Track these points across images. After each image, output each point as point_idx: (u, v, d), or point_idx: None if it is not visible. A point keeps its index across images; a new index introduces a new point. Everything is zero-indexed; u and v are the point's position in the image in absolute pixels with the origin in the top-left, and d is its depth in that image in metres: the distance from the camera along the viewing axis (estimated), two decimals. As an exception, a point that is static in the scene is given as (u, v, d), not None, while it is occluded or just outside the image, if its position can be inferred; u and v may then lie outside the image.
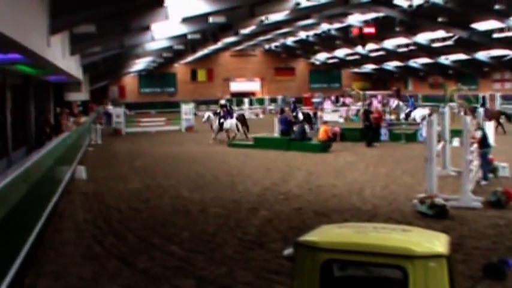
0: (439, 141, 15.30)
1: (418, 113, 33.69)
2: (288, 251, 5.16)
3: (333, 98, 57.41)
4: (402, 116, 36.01)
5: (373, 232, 4.78)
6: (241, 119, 31.91)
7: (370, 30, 40.67)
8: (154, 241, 10.87)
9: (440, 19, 39.46)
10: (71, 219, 13.10)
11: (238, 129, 30.34)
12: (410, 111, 35.40)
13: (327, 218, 12.44)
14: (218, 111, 32.69)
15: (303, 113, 34.29)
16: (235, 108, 49.66)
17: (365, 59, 64.65)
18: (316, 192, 15.62)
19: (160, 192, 16.22)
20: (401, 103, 40.28)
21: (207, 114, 34.47)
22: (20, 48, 12.29)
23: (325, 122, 27.91)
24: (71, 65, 22.88)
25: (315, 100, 54.95)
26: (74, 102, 35.88)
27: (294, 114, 32.68)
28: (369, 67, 71.97)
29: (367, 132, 27.36)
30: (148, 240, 10.94)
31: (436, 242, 4.52)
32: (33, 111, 23.77)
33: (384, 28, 42.77)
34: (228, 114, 31.35)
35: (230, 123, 30.54)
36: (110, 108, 49.31)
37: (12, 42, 10.76)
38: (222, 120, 30.74)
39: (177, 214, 13.31)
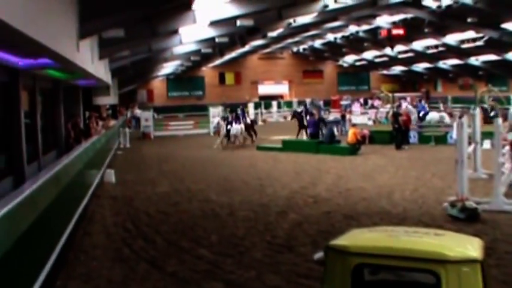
0: (469, 143, 15.10)
1: (433, 116, 33.45)
2: (318, 255, 5.14)
3: (361, 100, 57.12)
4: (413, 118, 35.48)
5: (404, 236, 4.73)
6: (250, 125, 32.03)
7: (398, 31, 40.39)
8: (183, 244, 10.90)
9: (469, 19, 38.92)
10: (100, 222, 13.22)
11: (228, 135, 29.78)
12: (425, 114, 34.96)
13: (356, 221, 12.35)
14: (227, 116, 32.55)
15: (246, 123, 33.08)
16: (252, 111, 49.81)
17: (394, 60, 64.14)
18: (345, 195, 15.54)
19: (188, 195, 16.28)
20: (409, 106, 39.71)
21: (216, 119, 34.02)
22: (49, 53, 12.45)
23: (354, 125, 27.75)
24: (100, 69, 23.11)
25: (343, 103, 54.67)
26: (103, 106, 36.26)
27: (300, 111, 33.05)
28: (397, 69, 71.40)
29: (397, 134, 27.15)
30: (177, 244, 10.98)
31: (469, 247, 4.46)
32: (63, 115, 24.03)
33: (413, 29, 42.42)
34: (237, 119, 31.01)
35: (236, 129, 30.15)
36: (138, 112, 49.75)
37: (42, 47, 10.91)
38: (229, 126, 30.22)
39: (206, 218, 13.34)
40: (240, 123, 30.88)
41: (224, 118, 32.27)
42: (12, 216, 6.77)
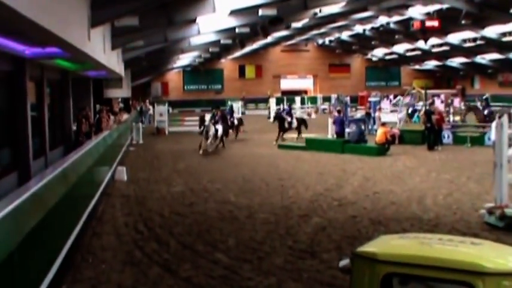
0: (510, 145, 14.86)
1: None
2: (344, 262, 5.10)
3: (391, 97, 56.76)
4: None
5: (438, 244, 4.66)
6: (236, 125, 33.40)
7: (433, 23, 39.93)
8: (199, 248, 10.91)
9: (512, 10, 38.51)
10: (110, 223, 13.28)
11: (216, 136, 27.76)
12: (413, 112, 34.58)
13: (385, 227, 12.29)
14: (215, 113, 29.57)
15: (297, 118, 33.55)
16: (273, 107, 49.68)
17: (427, 54, 63.65)
18: (373, 199, 15.45)
19: (205, 196, 16.30)
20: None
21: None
22: (58, 42, 12.51)
23: (384, 124, 27.58)
24: (112, 60, 23.22)
25: (371, 99, 54.36)
26: (115, 99, 36.48)
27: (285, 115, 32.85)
28: (431, 64, 70.87)
29: (429, 134, 26.94)
30: (192, 247, 10.98)
31: (510, 258, 4.38)
32: (72, 108, 24.20)
33: (448, 21, 41.99)
34: (223, 119, 29.19)
35: (215, 129, 27.74)
36: (149, 107, 49.94)
37: (50, 35, 10.95)
38: (217, 126, 28.01)
39: (223, 220, 13.34)
40: (224, 123, 29.08)
41: (212, 116, 28.93)
42: (17, 215, 6.80)
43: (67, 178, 10.67)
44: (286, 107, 35.27)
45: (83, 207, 12.50)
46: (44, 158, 19.14)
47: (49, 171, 10.07)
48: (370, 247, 4.70)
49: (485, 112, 35.61)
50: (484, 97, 43.47)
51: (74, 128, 22.30)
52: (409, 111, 35.63)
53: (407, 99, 46.18)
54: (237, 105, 42.55)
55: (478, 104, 39.64)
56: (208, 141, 26.78)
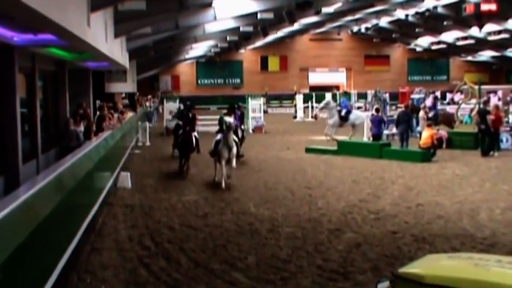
0: None
1: (358, 115, 33.04)
2: (383, 285, 5.05)
3: (438, 93, 56.45)
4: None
5: (497, 267, 4.58)
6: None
7: (489, 6, 39.62)
8: (214, 267, 10.87)
9: None
10: (111, 236, 13.29)
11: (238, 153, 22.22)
12: (347, 113, 33.68)
13: (430, 245, 12.18)
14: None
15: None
16: (300, 105, 49.51)
17: (482, 44, 63.16)
18: (416, 212, 15.34)
19: (221, 206, 16.28)
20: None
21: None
22: (53, 27, 12.55)
23: (430, 125, 27.40)
24: (115, 49, 23.33)
25: (414, 96, 54.14)
26: (118, 94, 36.64)
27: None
28: (486, 54, 70.38)
29: (483, 137, 26.69)
30: (206, 266, 10.95)
31: None
32: (68, 104, 24.32)
33: (508, 4, 41.67)
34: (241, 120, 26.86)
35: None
36: (150, 104, 50.17)
37: (43, 20, 10.98)
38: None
39: (242, 234, 13.30)
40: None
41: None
42: (3, 227, 6.81)
43: (62, 185, 10.69)
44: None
45: (81, 219, 12.52)
46: (36, 161, 19.23)
47: (41, 177, 10.10)
48: (415, 268, 4.64)
49: None
50: None
51: (74, 127, 21.67)
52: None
53: (457, 96, 45.85)
54: (258, 103, 42.50)
55: None
56: (233, 163, 19.43)
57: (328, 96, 59.85)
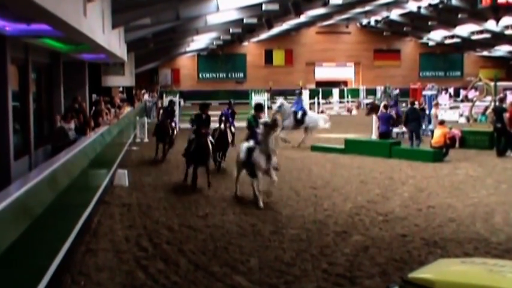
0: None
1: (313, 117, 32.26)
2: (392, 291, 5.03)
3: (451, 90, 56.46)
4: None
5: (512, 273, 4.56)
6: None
7: (506, -2, 39.56)
8: (214, 269, 10.87)
9: None
10: (107, 237, 13.28)
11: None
12: (303, 115, 32.69)
13: (441, 249, 12.16)
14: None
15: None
16: (306, 101, 49.22)
17: (498, 38, 63.06)
18: (427, 214, 15.32)
19: (223, 206, 16.30)
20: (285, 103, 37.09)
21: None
22: (47, 17, 12.55)
23: (442, 123, 27.34)
24: (112, 41, 23.33)
25: (426, 93, 54.06)
26: (115, 88, 36.62)
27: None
28: (503, 49, 70.30)
29: (499, 137, 26.63)
30: (206, 268, 10.95)
31: None
32: (63, 98, 24.32)
33: (526, -3, 41.59)
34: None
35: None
36: (147, 98, 50.16)
37: (37, 9, 10.98)
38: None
39: (244, 235, 13.31)
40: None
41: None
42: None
43: (56, 183, 10.70)
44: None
45: (75, 218, 12.54)
46: (28, 158, 19.25)
47: (34, 174, 10.10)
48: (426, 273, 4.63)
49: None
50: None
51: (62, 124, 20.79)
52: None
53: (471, 93, 45.68)
54: (262, 98, 42.50)
55: None
56: (274, 176, 16.89)
57: (335, 92, 60.19)
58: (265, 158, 16.34)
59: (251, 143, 17.07)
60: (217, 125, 23.84)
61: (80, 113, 22.74)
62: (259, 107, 19.26)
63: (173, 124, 27.13)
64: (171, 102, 29.01)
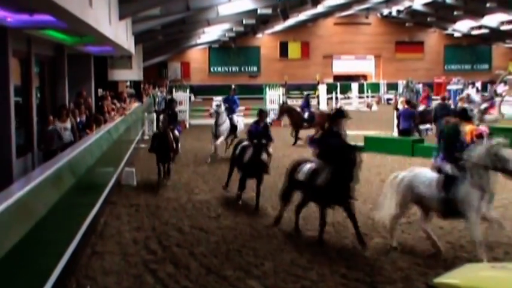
0: None
1: None
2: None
3: (478, 84, 56.17)
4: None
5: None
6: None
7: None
8: (227, 273, 10.89)
9: None
10: (114, 239, 13.33)
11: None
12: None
13: (468, 253, 12.14)
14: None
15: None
16: (323, 97, 49.17)
17: (530, 28, 62.84)
18: (453, 215, 15.23)
19: (235, 207, 16.35)
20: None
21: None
22: (51, 7, 12.56)
23: (469, 119, 27.18)
24: (120, 33, 23.34)
25: (451, 87, 53.95)
26: (122, 82, 36.62)
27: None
28: (534, 41, 70.00)
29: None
30: (218, 272, 10.97)
31: None
32: (68, 93, 24.35)
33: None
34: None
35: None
36: (158, 94, 50.20)
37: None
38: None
39: (258, 237, 13.35)
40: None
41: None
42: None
43: (60, 182, 10.73)
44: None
45: (81, 219, 12.57)
46: (31, 155, 19.28)
47: (37, 173, 10.14)
48: (452, 278, 4.61)
49: None
50: None
51: (54, 125, 18.66)
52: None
53: (500, 88, 45.38)
54: (276, 93, 42.47)
55: None
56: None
57: (354, 86, 60.00)
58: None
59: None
60: None
61: (86, 108, 22.74)
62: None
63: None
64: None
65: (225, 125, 25.70)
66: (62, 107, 19.70)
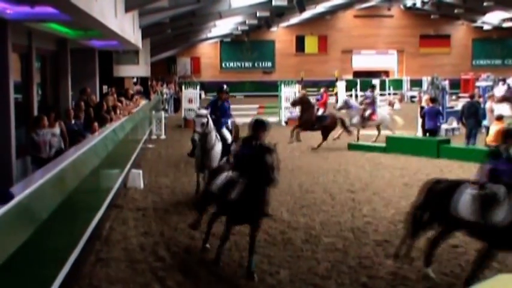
0: None
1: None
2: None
3: (509, 81, 55.91)
4: None
5: None
6: None
7: None
8: (240, 282, 10.91)
9: None
10: (120, 245, 13.34)
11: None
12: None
13: (499, 263, 11.96)
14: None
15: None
16: (342, 94, 48.97)
17: None
18: (481, 221, 15.17)
19: (248, 211, 16.27)
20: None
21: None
22: (54, -1, 12.62)
23: (500, 118, 27.04)
24: (126, 26, 23.39)
25: (480, 84, 53.69)
26: (128, 78, 36.67)
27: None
28: None
29: None
30: (230, 281, 11.00)
31: None
32: (71, 90, 24.40)
33: None
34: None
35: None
36: (165, 91, 50.37)
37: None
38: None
39: (273, 244, 13.34)
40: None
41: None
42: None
43: (63, 184, 10.74)
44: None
45: (84, 224, 12.59)
46: (32, 156, 19.32)
47: (38, 175, 10.14)
48: (484, 289, 4.57)
49: None
50: None
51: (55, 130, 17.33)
52: None
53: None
54: (292, 91, 42.44)
55: None
56: None
57: (376, 83, 59.85)
58: None
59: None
60: None
61: (90, 106, 22.74)
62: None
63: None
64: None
65: (216, 149, 18.39)
66: (50, 110, 18.01)
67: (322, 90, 32.87)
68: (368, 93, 32.49)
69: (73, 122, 18.79)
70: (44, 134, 16.32)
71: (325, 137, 28.54)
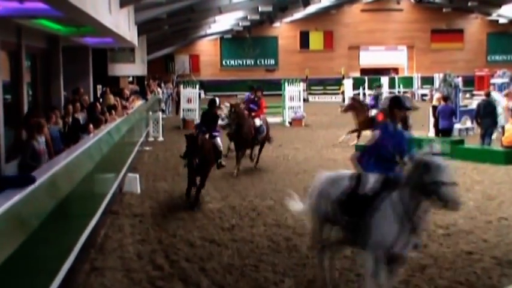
0: None
1: None
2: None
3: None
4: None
5: None
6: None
7: None
8: (242, 292, 10.88)
9: None
10: (116, 253, 13.33)
11: None
12: None
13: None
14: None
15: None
16: (349, 92, 49.03)
17: None
18: (499, 227, 15.22)
19: (252, 216, 16.37)
20: None
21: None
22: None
23: (517, 117, 27.09)
24: (121, 22, 23.40)
25: (496, 81, 53.70)
26: (124, 78, 36.68)
27: None
28: None
29: None
30: (232, 291, 10.97)
31: None
32: (63, 89, 24.40)
33: None
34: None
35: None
36: (160, 90, 50.46)
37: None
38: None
39: (277, 251, 13.33)
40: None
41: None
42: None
43: (55, 189, 10.72)
44: None
45: (78, 231, 12.57)
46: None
47: (30, 179, 10.13)
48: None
49: None
50: None
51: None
52: None
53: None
54: (297, 89, 42.46)
55: None
56: None
57: (385, 81, 59.86)
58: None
59: None
60: None
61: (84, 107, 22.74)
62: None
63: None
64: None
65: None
66: (36, 116, 16.30)
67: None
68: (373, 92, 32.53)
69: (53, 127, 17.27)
70: (44, 142, 15.09)
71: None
